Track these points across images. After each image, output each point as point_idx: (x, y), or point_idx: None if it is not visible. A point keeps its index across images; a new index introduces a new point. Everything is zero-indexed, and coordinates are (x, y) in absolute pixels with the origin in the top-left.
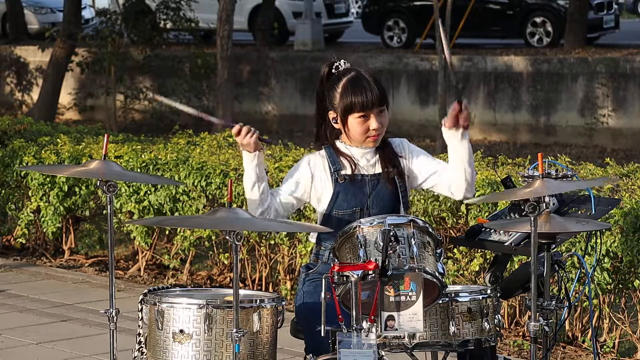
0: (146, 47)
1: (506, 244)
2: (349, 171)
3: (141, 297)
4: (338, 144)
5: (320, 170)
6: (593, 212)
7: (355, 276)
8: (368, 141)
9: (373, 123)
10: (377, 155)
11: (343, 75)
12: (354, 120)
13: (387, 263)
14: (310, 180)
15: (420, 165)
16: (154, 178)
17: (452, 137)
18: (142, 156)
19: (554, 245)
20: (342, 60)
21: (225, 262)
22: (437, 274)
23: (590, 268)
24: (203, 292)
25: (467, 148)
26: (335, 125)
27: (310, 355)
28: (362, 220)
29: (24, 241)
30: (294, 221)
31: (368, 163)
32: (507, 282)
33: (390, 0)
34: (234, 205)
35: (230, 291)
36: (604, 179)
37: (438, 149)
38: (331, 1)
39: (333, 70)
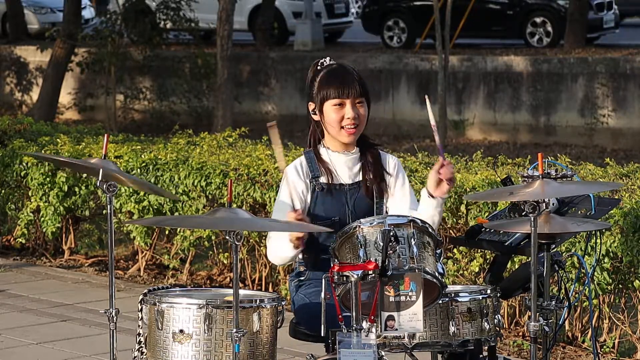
0: (146, 47)
1: (506, 244)
2: (326, 179)
3: (141, 297)
4: (321, 149)
5: (301, 179)
6: (593, 212)
7: (355, 276)
8: (343, 133)
9: (348, 112)
10: (360, 163)
11: (325, 68)
12: (329, 107)
13: (387, 263)
14: (298, 192)
15: (402, 197)
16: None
17: (429, 204)
18: (142, 156)
19: (554, 245)
20: (327, 58)
21: (225, 262)
22: (437, 274)
23: (590, 268)
24: (203, 292)
25: (440, 213)
26: (314, 117)
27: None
28: (362, 220)
29: (23, 241)
30: (294, 221)
31: (350, 171)
32: (507, 282)
33: (390, 0)
34: (234, 205)
35: (230, 291)
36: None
37: None
38: (331, 1)
39: (318, 68)
